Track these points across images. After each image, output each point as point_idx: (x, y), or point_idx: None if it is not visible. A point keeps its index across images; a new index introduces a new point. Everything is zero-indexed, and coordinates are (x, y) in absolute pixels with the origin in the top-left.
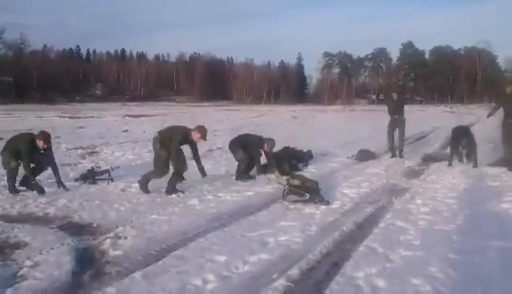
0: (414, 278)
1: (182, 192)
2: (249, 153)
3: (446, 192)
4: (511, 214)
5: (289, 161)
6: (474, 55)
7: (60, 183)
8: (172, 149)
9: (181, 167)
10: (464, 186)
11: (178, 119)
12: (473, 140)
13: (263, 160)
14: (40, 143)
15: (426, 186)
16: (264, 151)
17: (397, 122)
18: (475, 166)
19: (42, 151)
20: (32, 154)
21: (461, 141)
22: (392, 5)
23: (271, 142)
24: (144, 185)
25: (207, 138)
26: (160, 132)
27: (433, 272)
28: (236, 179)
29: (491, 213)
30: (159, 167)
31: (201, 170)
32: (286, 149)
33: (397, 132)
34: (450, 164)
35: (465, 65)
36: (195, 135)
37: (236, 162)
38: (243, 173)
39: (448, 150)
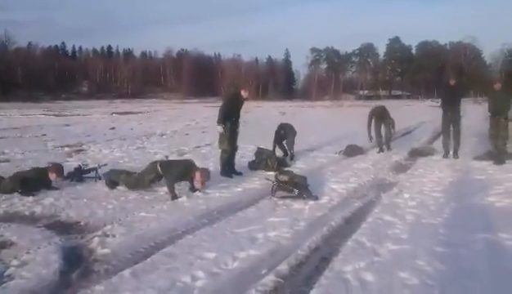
0: (401, 271)
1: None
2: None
3: (432, 186)
4: (497, 207)
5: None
6: (460, 50)
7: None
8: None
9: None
10: (450, 180)
11: (167, 116)
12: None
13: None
14: (53, 176)
15: (413, 180)
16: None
17: (382, 122)
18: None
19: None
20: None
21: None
22: (378, 0)
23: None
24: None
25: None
26: (161, 163)
27: (421, 265)
28: (221, 174)
29: (477, 206)
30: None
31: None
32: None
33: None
34: (446, 153)
35: (451, 60)
36: (197, 175)
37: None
38: (228, 167)
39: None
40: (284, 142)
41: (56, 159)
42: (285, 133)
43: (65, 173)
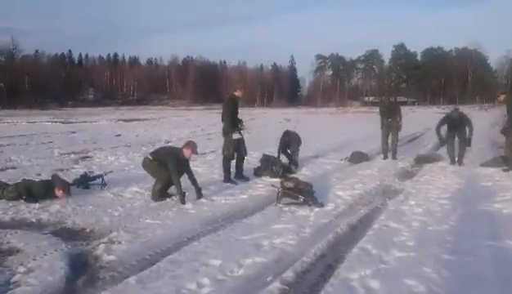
0: (408, 278)
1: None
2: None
3: (439, 192)
4: (504, 214)
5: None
6: (465, 57)
7: (198, 191)
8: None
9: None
10: (456, 187)
11: (172, 123)
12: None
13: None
14: (59, 192)
15: (419, 187)
16: None
17: (390, 125)
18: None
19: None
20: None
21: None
22: (383, 7)
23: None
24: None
25: (197, 151)
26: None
27: (427, 272)
28: (225, 181)
29: (483, 213)
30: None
31: (198, 191)
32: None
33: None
34: (452, 160)
35: (457, 66)
36: (186, 152)
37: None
38: (230, 174)
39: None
40: (288, 150)
41: (63, 166)
42: (289, 140)
43: (71, 180)
